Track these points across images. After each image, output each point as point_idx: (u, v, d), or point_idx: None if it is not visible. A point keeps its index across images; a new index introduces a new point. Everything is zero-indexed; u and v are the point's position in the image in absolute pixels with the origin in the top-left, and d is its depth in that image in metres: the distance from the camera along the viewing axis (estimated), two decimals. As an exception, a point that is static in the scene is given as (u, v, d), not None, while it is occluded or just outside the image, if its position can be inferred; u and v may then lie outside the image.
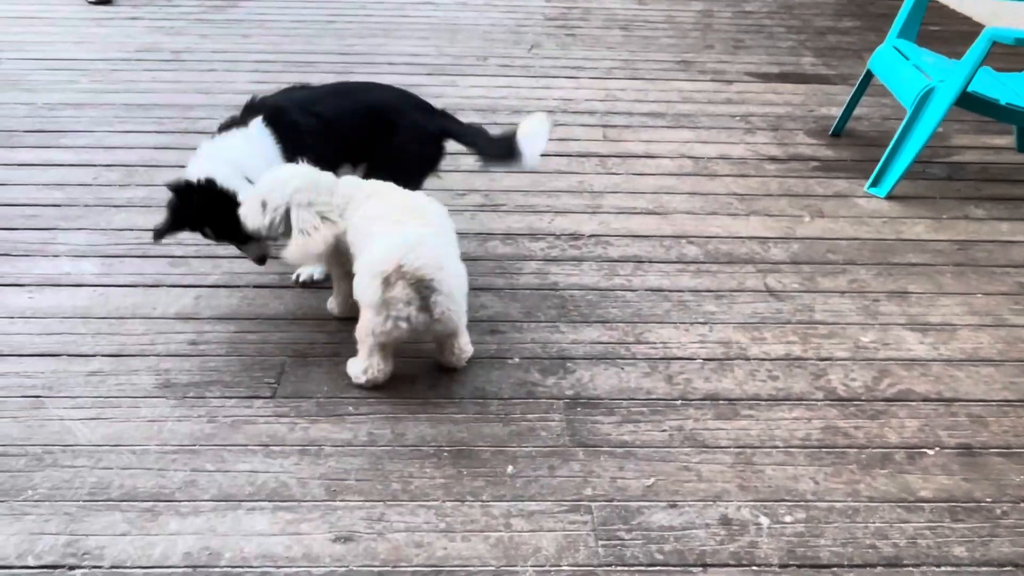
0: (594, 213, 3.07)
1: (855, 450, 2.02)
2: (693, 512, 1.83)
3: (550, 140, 3.64)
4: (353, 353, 2.16)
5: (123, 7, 5.55)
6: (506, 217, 3.02)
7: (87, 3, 5.58)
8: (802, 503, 1.86)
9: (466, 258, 2.71)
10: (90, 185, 3.14)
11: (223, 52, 4.72)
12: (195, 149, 2.33)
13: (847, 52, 5.08)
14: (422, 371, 2.21)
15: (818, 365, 2.30)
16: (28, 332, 2.32)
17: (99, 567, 1.66)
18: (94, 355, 2.24)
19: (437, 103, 4.15)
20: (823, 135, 3.83)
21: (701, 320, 2.47)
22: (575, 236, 2.91)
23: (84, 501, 1.80)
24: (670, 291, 2.61)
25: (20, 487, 1.83)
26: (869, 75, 3.69)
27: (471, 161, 3.44)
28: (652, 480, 1.91)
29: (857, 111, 3.93)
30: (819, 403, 2.16)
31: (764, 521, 1.81)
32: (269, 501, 1.82)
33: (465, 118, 3.91)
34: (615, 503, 1.84)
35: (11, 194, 3.05)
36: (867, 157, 3.57)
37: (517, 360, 2.27)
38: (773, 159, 3.57)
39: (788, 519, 1.82)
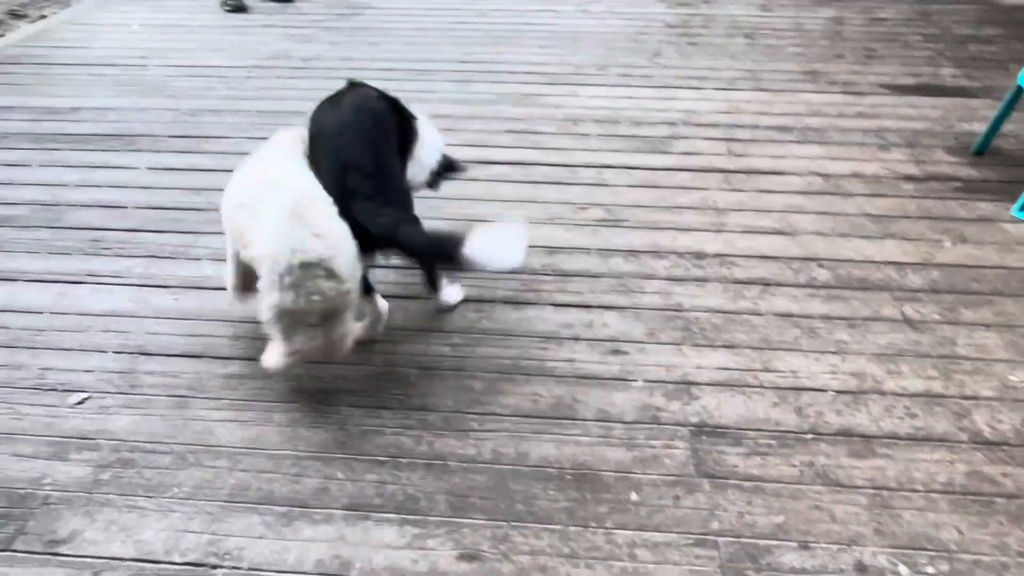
0: (719, 232, 3.00)
1: (1004, 499, 1.90)
2: (826, 555, 1.76)
3: (675, 154, 3.62)
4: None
5: (257, 15, 5.79)
6: (628, 233, 2.99)
7: (224, 12, 5.85)
8: (944, 553, 1.76)
9: (587, 274, 2.73)
10: (228, 190, 3.30)
11: (351, 60, 4.86)
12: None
13: (990, 63, 4.79)
14: (546, 390, 2.22)
15: (961, 404, 2.18)
16: (173, 333, 2.45)
17: (238, 568, 1.74)
18: (233, 358, 2.35)
19: (557, 113, 4.21)
20: (964, 153, 3.63)
21: (832, 349, 2.38)
22: (699, 255, 2.85)
23: (224, 502, 1.88)
24: (799, 317, 2.52)
25: (167, 484, 1.93)
26: (1020, 90, 3.47)
27: (592, 174, 3.44)
28: (782, 518, 1.85)
29: (1004, 127, 3.70)
30: (963, 445, 2.04)
31: (903, 571, 1.73)
32: (397, 513, 1.86)
33: (585, 129, 3.94)
34: (743, 540, 1.79)
35: (158, 198, 3.23)
36: (1015, 178, 3.36)
37: (641, 383, 2.25)
38: (910, 178, 3.40)
39: (929, 570, 1.73)
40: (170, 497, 1.90)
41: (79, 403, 2.19)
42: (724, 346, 2.39)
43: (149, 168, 3.48)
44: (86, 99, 4.26)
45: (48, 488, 1.93)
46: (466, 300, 2.59)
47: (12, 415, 2.15)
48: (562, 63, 4.80)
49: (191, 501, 1.89)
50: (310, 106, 2.39)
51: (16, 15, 6.09)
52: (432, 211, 3.13)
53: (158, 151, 3.63)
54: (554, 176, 3.42)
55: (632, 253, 2.87)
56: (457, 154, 3.66)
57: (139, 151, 3.64)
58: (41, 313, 2.55)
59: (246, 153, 3.61)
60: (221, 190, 3.27)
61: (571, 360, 2.34)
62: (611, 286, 2.68)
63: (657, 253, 2.87)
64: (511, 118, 4.04)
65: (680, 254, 2.86)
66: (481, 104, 4.20)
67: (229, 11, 5.86)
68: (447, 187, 3.30)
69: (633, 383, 2.25)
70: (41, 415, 2.15)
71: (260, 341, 2.41)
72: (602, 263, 2.81)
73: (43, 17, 6.00)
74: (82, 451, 2.03)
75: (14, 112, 4.17)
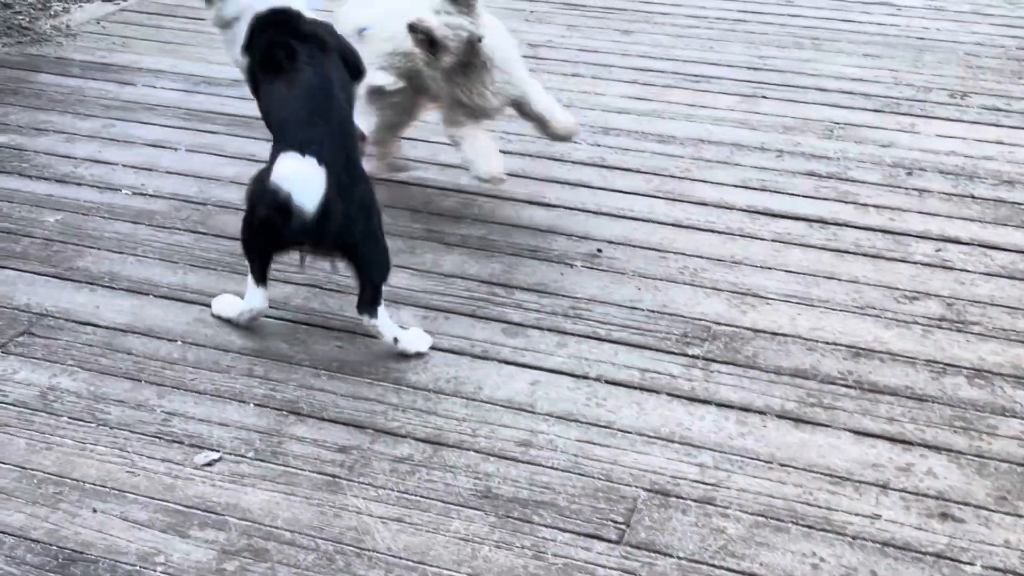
0: (1123, 359, 2.86)
1: None
2: None
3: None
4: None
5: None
6: (979, 344, 2.92)
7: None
8: None
9: (909, 395, 2.69)
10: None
11: (593, 51, 5.10)
12: None
13: None
14: (832, 554, 2.20)
15: None
16: (333, 391, 2.65)
17: None
18: (405, 436, 2.51)
19: (884, 155, 4.19)
20: None
21: None
22: (1088, 391, 2.74)
23: (376, 629, 2.01)
24: None
25: (305, 591, 2.09)
26: None
27: (928, 249, 3.39)
28: None
29: None
30: None
31: None
32: None
33: (924, 182, 3.89)
34: None
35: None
36: None
37: (979, 569, 2.18)
38: None
39: None
40: (306, 609, 2.06)
41: (208, 464, 2.42)
42: (1118, 535, 2.27)
43: (322, 169, 3.81)
44: (253, 71, 4.72)
45: (160, 569, 2.14)
46: (727, 406, 2.63)
47: (127, 467, 2.41)
48: (897, 83, 4.78)
49: (331, 620, 2.03)
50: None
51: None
52: (690, 275, 3.20)
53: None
54: (871, 246, 3.40)
55: (982, 374, 2.79)
56: (730, 199, 3.74)
57: (311, 145, 3.99)
58: (174, 341, 2.85)
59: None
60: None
61: (874, 517, 2.30)
62: (945, 418, 2.62)
63: (1022, 380, 2.77)
64: (814, 155, 4.06)
65: (1058, 385, 2.76)
66: (772, 131, 4.26)
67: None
68: (708, 247, 3.38)
69: (968, 567, 2.18)
70: (161, 472, 2.39)
71: (440, 418, 2.56)
72: (934, 382, 2.76)
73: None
74: (206, 528, 2.24)
75: (163, 78, 4.72)
